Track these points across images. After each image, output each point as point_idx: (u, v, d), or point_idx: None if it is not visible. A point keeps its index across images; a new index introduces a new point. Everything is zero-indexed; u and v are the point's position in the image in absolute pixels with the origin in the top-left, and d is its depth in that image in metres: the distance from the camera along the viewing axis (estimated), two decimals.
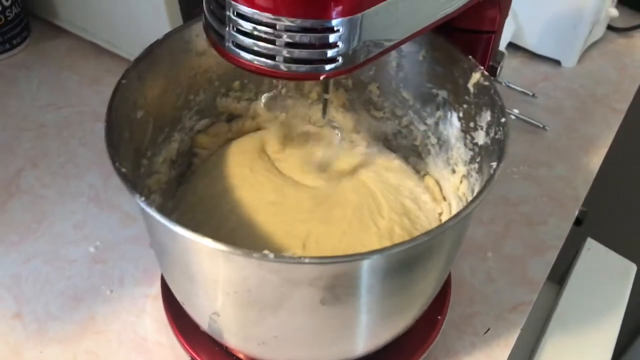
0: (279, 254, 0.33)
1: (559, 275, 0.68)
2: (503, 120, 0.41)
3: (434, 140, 0.51)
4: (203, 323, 0.44)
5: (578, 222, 0.67)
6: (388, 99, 0.53)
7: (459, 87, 0.46)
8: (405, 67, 0.50)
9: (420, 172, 0.54)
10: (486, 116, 0.44)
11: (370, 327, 0.42)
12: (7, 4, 0.72)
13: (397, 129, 0.54)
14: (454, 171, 0.49)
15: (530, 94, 0.76)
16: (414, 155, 0.54)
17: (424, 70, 0.49)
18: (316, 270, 0.35)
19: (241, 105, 0.55)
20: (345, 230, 0.47)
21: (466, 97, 0.46)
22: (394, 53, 0.50)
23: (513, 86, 0.76)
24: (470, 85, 0.45)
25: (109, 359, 0.49)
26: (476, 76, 0.44)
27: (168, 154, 0.50)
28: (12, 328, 0.51)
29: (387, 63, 0.51)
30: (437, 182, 0.52)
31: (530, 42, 0.82)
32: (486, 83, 0.44)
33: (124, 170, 0.37)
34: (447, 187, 0.51)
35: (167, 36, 0.47)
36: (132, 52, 0.45)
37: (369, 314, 0.40)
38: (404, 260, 0.37)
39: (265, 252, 0.33)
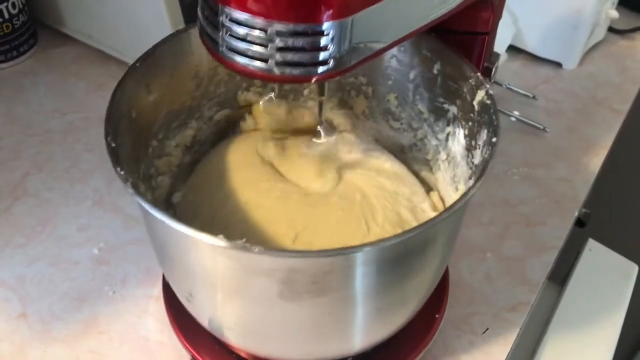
0: (232, 241, 0.33)
1: (561, 276, 0.68)
2: (494, 140, 0.41)
3: (443, 155, 0.51)
4: (184, 301, 0.46)
5: (581, 223, 0.67)
6: (405, 110, 0.53)
7: (466, 103, 0.46)
8: (421, 81, 0.51)
9: (430, 186, 0.54)
10: (483, 135, 0.44)
11: (352, 327, 0.42)
12: (14, 12, 0.74)
13: (413, 141, 0.54)
14: (457, 189, 0.50)
15: (531, 95, 0.76)
16: (426, 169, 0.54)
17: (437, 84, 0.49)
18: (267, 262, 0.36)
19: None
20: (337, 229, 0.48)
21: (471, 115, 0.46)
22: (411, 65, 0.50)
23: (514, 88, 0.76)
24: (475, 103, 0.45)
25: (112, 358, 0.50)
26: (481, 94, 0.44)
27: (182, 139, 0.52)
28: (17, 328, 0.52)
29: (405, 75, 0.51)
30: (442, 199, 0.52)
31: (530, 44, 0.82)
32: (488, 102, 0.44)
33: (113, 145, 0.39)
34: (449, 203, 0.51)
35: (188, 28, 0.48)
36: None
37: (335, 315, 0.40)
38: (369, 264, 0.37)
39: (220, 237, 0.33)
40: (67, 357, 0.50)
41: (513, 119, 0.73)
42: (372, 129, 0.57)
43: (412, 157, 0.55)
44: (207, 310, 0.44)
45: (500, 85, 0.75)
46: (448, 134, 0.50)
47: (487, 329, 0.53)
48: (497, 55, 0.50)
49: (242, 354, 0.50)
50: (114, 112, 0.41)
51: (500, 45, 0.78)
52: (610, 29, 0.87)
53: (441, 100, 0.50)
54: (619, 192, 0.97)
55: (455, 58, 0.47)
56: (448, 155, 0.51)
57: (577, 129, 0.73)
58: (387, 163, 0.54)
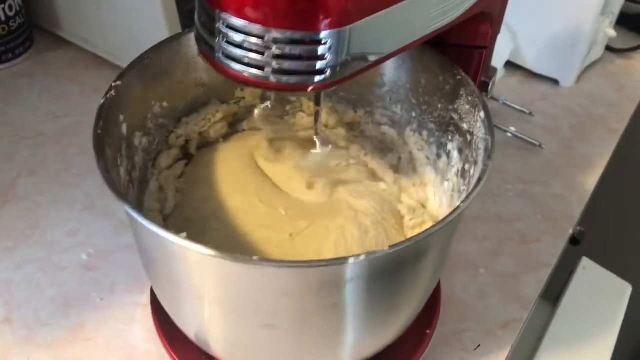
0: (221, 251, 0.33)
1: (554, 294, 0.68)
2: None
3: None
4: (170, 312, 0.46)
5: (575, 241, 0.67)
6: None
7: None
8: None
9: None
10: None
11: (340, 342, 0.42)
12: (10, 14, 0.73)
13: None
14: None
15: (528, 112, 0.76)
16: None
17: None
18: (258, 273, 0.35)
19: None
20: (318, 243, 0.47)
21: None
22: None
23: (510, 104, 0.76)
24: None
25: None
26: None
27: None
28: (1, 333, 0.51)
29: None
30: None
31: (528, 61, 0.82)
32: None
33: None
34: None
35: None
36: None
37: (323, 329, 0.40)
38: (358, 276, 0.37)
39: (209, 247, 0.33)
40: None
41: (509, 134, 0.72)
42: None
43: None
44: (193, 322, 0.43)
45: (497, 100, 0.75)
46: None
47: (479, 345, 0.53)
48: (495, 70, 0.50)
49: None
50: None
51: (498, 61, 0.78)
52: (608, 48, 0.87)
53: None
54: (614, 210, 0.97)
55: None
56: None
57: (573, 147, 0.73)
58: (381, 184, 0.53)
